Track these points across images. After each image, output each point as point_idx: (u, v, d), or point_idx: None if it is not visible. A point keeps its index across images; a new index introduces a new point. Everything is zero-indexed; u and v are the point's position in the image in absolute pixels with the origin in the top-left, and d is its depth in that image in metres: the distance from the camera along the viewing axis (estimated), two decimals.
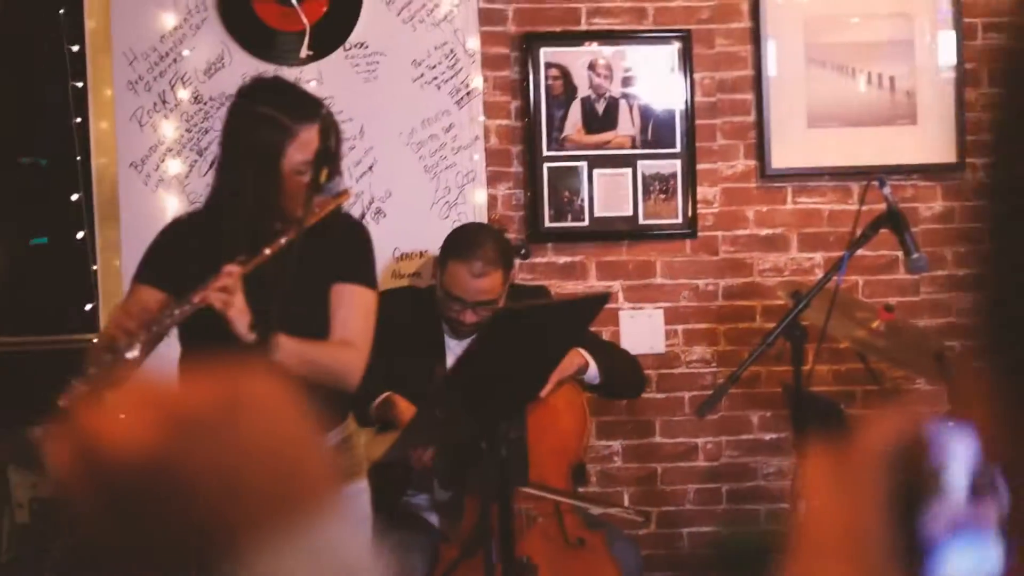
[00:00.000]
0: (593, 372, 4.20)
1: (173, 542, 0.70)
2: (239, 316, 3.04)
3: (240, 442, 0.71)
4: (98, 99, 4.81)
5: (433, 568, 3.98)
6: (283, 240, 3.06)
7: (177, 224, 3.45)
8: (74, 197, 4.89)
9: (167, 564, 0.71)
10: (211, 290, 3.02)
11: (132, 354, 2.92)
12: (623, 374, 4.37)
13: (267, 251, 3.06)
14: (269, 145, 3.16)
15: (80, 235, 4.86)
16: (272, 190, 3.18)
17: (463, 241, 4.12)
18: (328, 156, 3.15)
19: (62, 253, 5.15)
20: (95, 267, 4.83)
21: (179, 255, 3.27)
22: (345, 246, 3.34)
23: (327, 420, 3.40)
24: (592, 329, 4.44)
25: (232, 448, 0.71)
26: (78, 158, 4.87)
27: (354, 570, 0.71)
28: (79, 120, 4.86)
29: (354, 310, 3.33)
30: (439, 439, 3.63)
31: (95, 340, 3.19)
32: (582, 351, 4.17)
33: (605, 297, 3.53)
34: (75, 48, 4.86)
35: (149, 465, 0.70)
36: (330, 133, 3.19)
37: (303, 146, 3.17)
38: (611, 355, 4.34)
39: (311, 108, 3.25)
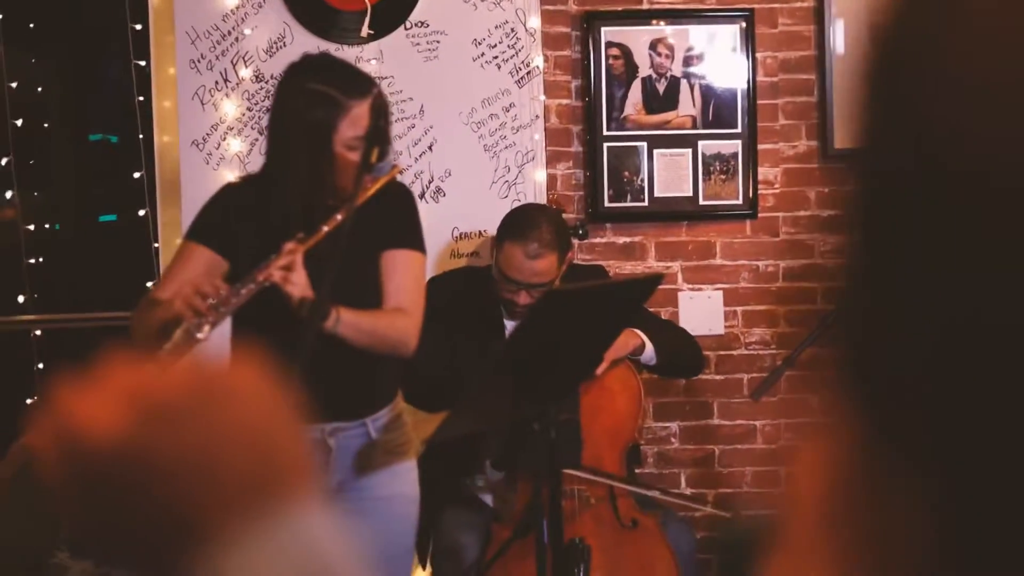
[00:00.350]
0: (649, 353, 4.17)
1: (145, 528, 0.70)
2: (301, 293, 3.06)
3: (216, 429, 0.71)
4: (161, 78, 4.84)
5: (485, 548, 3.99)
6: (339, 217, 3.06)
7: (232, 187, 3.44)
8: (136, 175, 4.94)
9: (139, 550, 0.71)
10: (274, 268, 3.04)
11: (201, 335, 2.95)
12: (680, 354, 4.34)
13: (325, 228, 3.07)
14: (321, 120, 3.16)
15: (142, 213, 4.90)
16: (325, 166, 3.18)
17: (519, 222, 4.10)
18: (379, 135, 3.13)
19: (128, 230, 5.21)
20: (156, 245, 4.87)
21: (233, 219, 3.28)
22: (392, 212, 3.33)
23: (378, 398, 3.41)
24: (651, 310, 4.43)
25: (208, 435, 0.71)
26: (140, 136, 4.92)
27: (328, 560, 0.71)
28: (142, 99, 4.90)
29: (407, 276, 3.33)
30: (489, 420, 3.62)
31: (149, 305, 3.17)
32: (638, 332, 4.14)
33: (658, 278, 3.49)
34: (138, 27, 4.90)
35: (123, 450, 0.70)
36: (381, 111, 3.19)
37: (355, 122, 3.16)
38: (668, 335, 4.32)
39: (363, 84, 3.24)
